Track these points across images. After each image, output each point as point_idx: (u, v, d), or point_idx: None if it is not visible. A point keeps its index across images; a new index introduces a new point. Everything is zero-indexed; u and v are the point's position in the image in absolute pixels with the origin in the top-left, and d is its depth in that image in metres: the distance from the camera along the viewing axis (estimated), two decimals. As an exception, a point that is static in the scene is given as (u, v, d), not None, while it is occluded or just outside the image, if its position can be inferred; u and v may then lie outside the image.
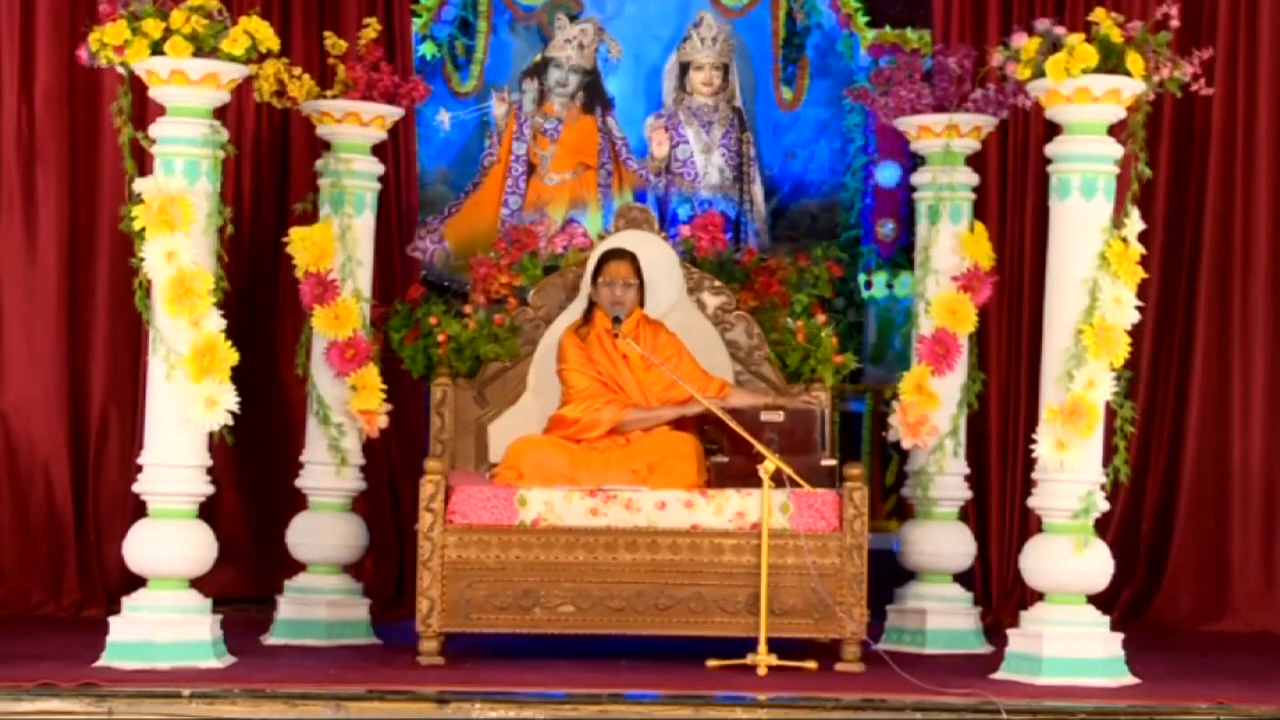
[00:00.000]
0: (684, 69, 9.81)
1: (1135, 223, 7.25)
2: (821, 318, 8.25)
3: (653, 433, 7.73)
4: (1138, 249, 7.23)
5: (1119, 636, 7.22)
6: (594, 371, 7.83)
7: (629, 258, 7.93)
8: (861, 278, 9.89)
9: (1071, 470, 7.15)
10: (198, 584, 7.21)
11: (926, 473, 8.19)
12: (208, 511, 7.31)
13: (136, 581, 7.22)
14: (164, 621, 7.02)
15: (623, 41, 9.99)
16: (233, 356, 7.09)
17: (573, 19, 9.83)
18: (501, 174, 9.61)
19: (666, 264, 8.26)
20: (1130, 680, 7.10)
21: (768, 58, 10.20)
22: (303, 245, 7.87)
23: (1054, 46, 7.11)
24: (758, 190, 9.81)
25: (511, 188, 9.57)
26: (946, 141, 8.13)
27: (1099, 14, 7.19)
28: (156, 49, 7.02)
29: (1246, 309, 9.20)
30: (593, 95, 9.72)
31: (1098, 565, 7.21)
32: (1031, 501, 7.33)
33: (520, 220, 9.41)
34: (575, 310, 8.13)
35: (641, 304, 7.93)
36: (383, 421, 7.98)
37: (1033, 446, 7.24)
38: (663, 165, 9.71)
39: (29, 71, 8.93)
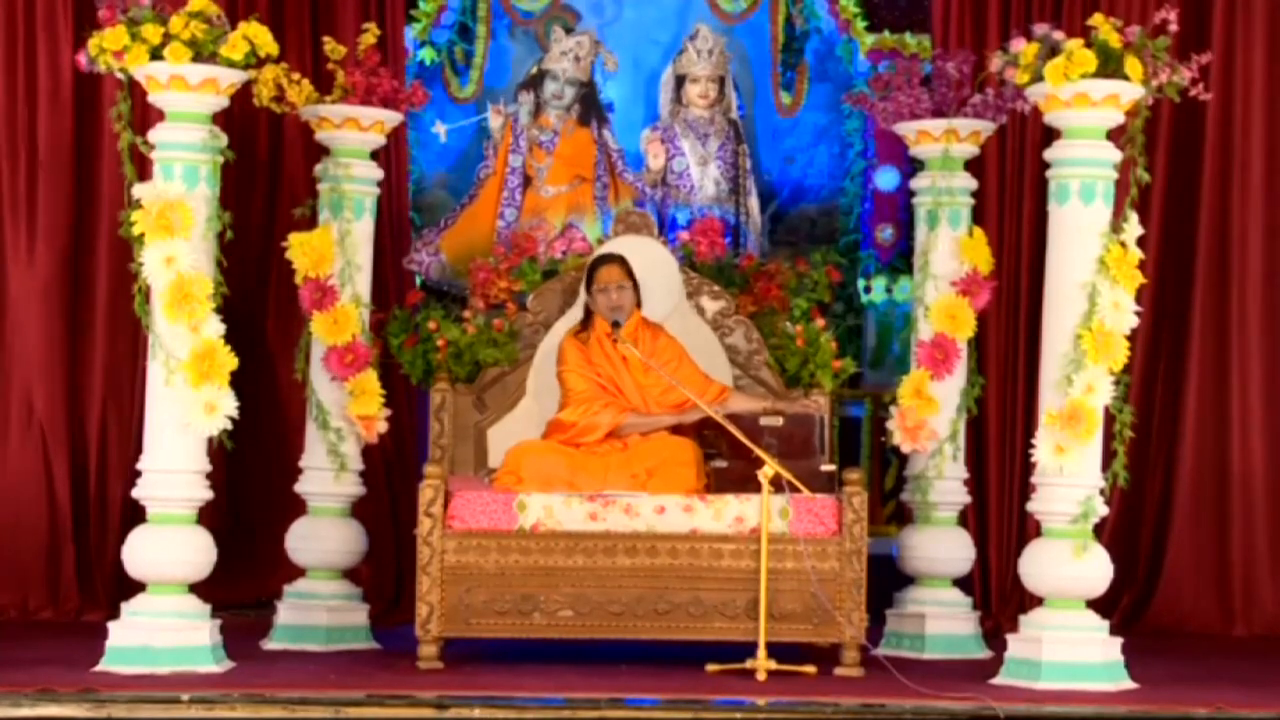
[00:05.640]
0: (680, 82, 9.80)
1: (1134, 227, 7.25)
2: (820, 322, 8.25)
3: (652, 438, 7.73)
4: (1136, 253, 7.24)
5: (1118, 641, 7.22)
6: (593, 374, 7.83)
7: (619, 261, 7.93)
8: (860, 282, 9.88)
9: (1070, 475, 7.15)
10: (197, 589, 7.21)
11: (925, 477, 8.20)
12: (207, 516, 7.31)
13: (135, 586, 7.22)
14: (163, 626, 7.02)
15: (621, 47, 9.98)
16: (232, 361, 7.09)
17: (569, 31, 9.81)
18: (497, 186, 9.58)
19: (665, 269, 8.26)
20: (1129, 685, 7.10)
21: (767, 63, 10.19)
22: (302, 250, 7.87)
23: (1052, 51, 7.12)
24: (754, 202, 9.79)
25: (508, 200, 9.54)
26: (945, 146, 8.13)
27: (1097, 19, 7.20)
28: (156, 54, 7.02)
29: (1243, 313, 9.20)
30: (589, 108, 9.69)
31: (1097, 570, 7.21)
32: (1030, 506, 7.33)
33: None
34: (574, 315, 8.13)
35: (639, 304, 7.93)
36: (382, 427, 7.98)
37: (1032, 451, 7.24)
38: (659, 178, 9.70)
39: (28, 76, 8.93)
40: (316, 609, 8.01)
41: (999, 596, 8.97)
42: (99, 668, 6.96)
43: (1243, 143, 9.21)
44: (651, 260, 8.16)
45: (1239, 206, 9.20)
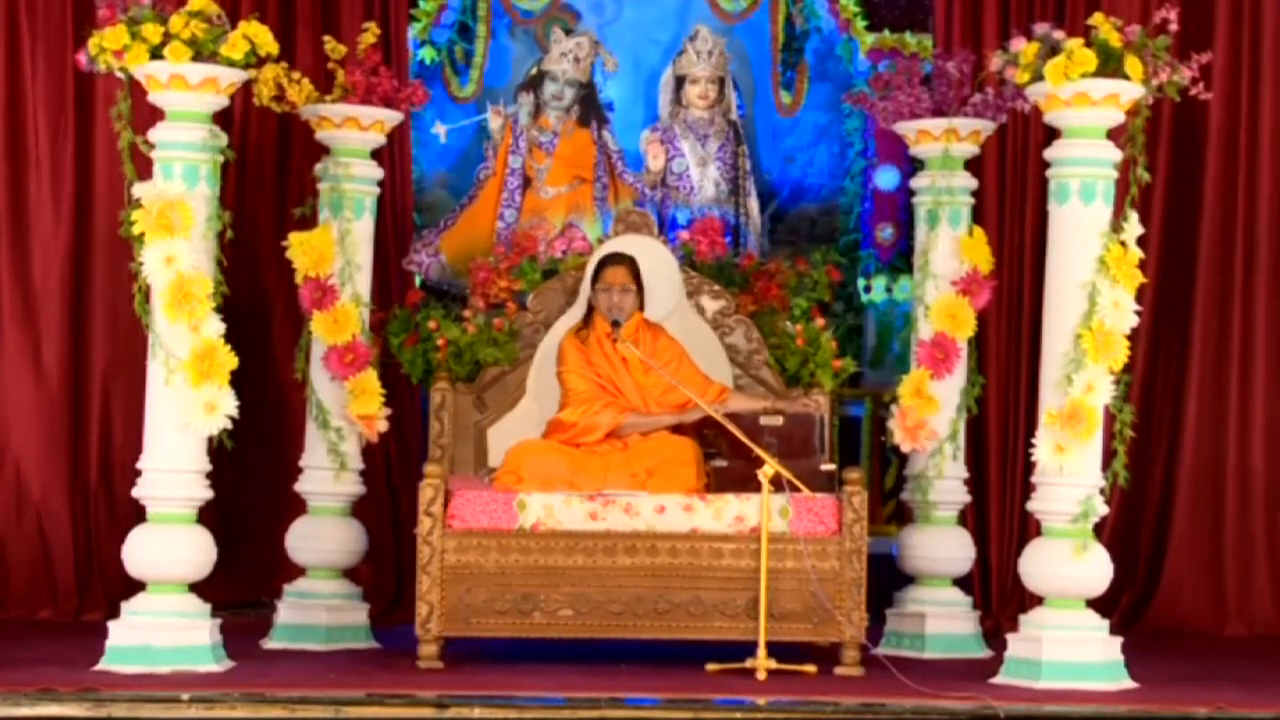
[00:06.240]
0: (679, 82, 9.79)
1: (1134, 227, 7.25)
2: (820, 322, 8.26)
3: (652, 437, 7.73)
4: (1137, 253, 7.24)
5: (1118, 640, 7.22)
6: (593, 374, 7.83)
7: (626, 262, 7.93)
8: (860, 282, 9.88)
9: (1071, 474, 7.15)
10: (197, 588, 7.21)
11: (925, 477, 8.20)
12: (207, 516, 7.31)
13: (136, 586, 7.22)
14: (163, 626, 7.02)
15: (621, 47, 9.97)
16: (232, 361, 7.09)
17: (568, 32, 9.80)
18: (497, 188, 9.56)
19: (666, 268, 8.26)
20: (1129, 684, 7.10)
21: (767, 62, 10.19)
22: (302, 250, 7.87)
23: (1053, 51, 7.12)
24: (753, 203, 9.79)
25: (507, 201, 9.53)
26: (945, 145, 8.13)
27: (1098, 18, 7.20)
28: (156, 54, 7.02)
29: (1244, 313, 9.20)
30: (588, 108, 9.68)
31: (1097, 569, 7.21)
32: (1031, 505, 7.33)
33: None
34: (574, 314, 8.13)
35: (641, 307, 7.93)
36: (382, 426, 7.98)
37: (1032, 450, 7.24)
38: (658, 179, 9.69)
39: (28, 76, 8.93)
40: (316, 608, 8.02)
41: (999, 596, 8.97)
42: (99, 667, 6.96)
43: (1248, 141, 9.19)
44: (652, 260, 8.15)
45: (1242, 205, 9.19)
